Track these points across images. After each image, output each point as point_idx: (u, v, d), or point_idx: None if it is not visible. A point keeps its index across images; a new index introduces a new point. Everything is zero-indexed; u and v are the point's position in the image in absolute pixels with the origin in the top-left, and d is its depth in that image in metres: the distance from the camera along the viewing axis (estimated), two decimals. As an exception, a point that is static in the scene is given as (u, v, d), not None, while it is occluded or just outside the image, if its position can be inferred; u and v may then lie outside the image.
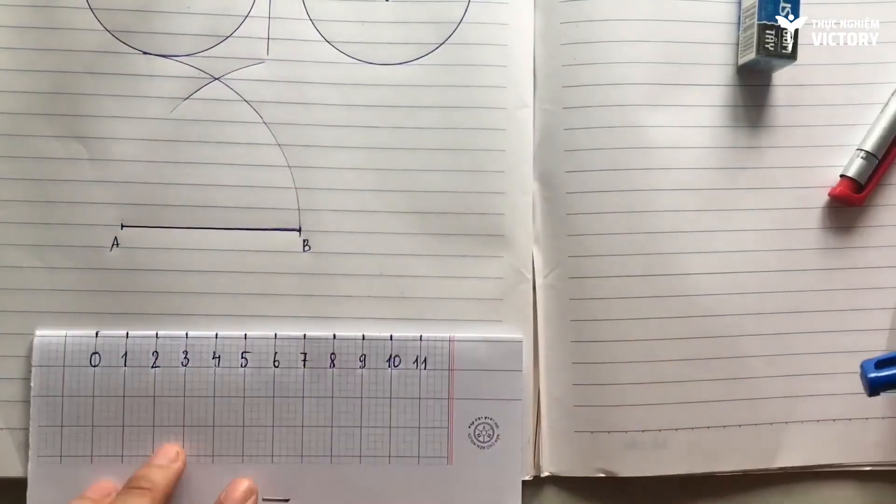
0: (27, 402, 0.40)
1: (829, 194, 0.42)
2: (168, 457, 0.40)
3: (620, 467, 0.41)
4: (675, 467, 0.42)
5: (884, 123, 0.42)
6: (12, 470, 0.40)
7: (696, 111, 0.42)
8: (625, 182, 0.42)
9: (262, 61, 0.42)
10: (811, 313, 0.42)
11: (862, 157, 0.42)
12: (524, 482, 0.41)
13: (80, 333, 0.40)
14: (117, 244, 0.41)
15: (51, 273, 0.40)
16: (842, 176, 0.42)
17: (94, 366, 0.40)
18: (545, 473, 0.41)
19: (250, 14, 0.42)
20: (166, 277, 0.41)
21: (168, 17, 0.41)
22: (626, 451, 0.41)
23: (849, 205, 0.42)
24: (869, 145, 0.42)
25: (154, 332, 0.40)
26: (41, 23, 0.41)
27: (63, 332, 0.40)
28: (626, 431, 0.41)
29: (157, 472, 0.39)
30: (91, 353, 0.40)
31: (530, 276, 0.42)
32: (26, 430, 0.40)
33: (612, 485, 0.42)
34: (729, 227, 0.42)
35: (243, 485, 0.40)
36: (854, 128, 0.43)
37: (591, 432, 0.41)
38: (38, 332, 0.40)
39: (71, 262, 0.41)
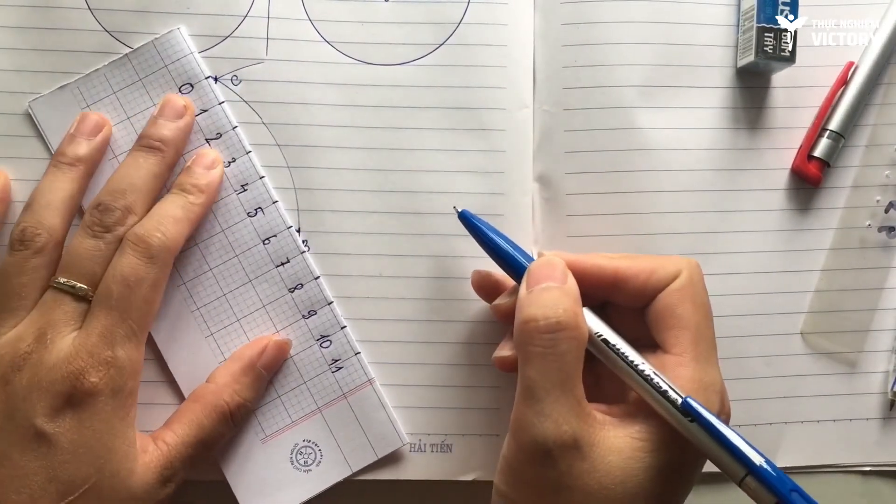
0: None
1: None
2: (176, 110, 0.39)
3: (620, 468, 0.41)
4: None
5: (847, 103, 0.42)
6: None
7: (695, 113, 0.42)
8: (624, 183, 0.42)
9: (261, 61, 0.41)
10: (813, 314, 0.42)
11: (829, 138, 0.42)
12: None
13: None
14: (116, 245, 0.41)
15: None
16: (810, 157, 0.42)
17: None
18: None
19: (249, 14, 0.42)
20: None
21: (167, 18, 0.41)
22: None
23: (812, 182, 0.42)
24: (834, 124, 0.42)
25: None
26: (40, 23, 0.41)
27: None
28: (626, 432, 0.41)
29: (167, 128, 0.39)
30: None
31: (530, 277, 0.42)
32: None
33: (612, 486, 0.42)
34: (728, 228, 0.42)
35: (211, 154, 0.40)
36: (853, 129, 0.43)
37: (591, 433, 0.41)
38: None
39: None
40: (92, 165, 0.39)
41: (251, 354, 0.39)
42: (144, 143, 0.39)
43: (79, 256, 0.36)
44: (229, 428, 0.38)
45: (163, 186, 0.39)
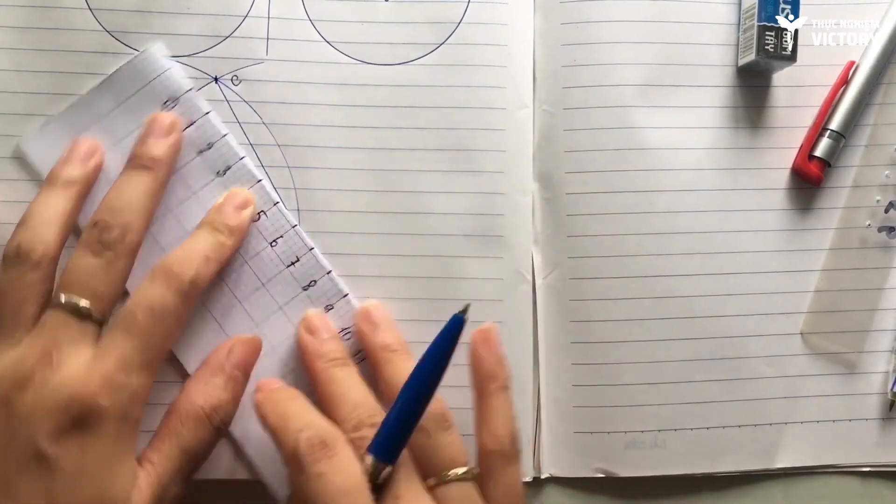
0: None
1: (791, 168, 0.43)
2: (163, 128, 0.39)
3: (620, 467, 0.41)
4: (675, 467, 0.42)
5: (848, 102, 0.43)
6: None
7: (695, 112, 0.42)
8: (625, 183, 0.42)
9: (261, 61, 0.41)
10: (813, 314, 0.42)
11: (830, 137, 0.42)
12: (524, 483, 0.41)
13: None
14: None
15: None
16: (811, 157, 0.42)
17: None
18: (545, 475, 0.41)
19: (249, 14, 0.42)
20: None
21: (167, 18, 0.41)
22: (626, 451, 0.41)
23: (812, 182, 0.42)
24: (835, 124, 0.42)
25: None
26: (40, 23, 0.41)
27: None
28: (626, 432, 0.41)
29: (157, 147, 0.38)
30: None
31: (530, 277, 0.42)
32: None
33: (612, 485, 0.42)
34: (728, 227, 0.42)
35: (241, 194, 0.39)
36: (854, 128, 0.43)
37: (591, 433, 0.42)
38: None
39: (71, 262, 0.41)
40: (86, 187, 0.39)
41: (218, 356, 0.38)
42: (136, 163, 0.38)
43: (80, 274, 0.35)
44: (212, 433, 0.37)
45: (158, 204, 0.39)
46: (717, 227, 0.42)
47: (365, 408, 0.35)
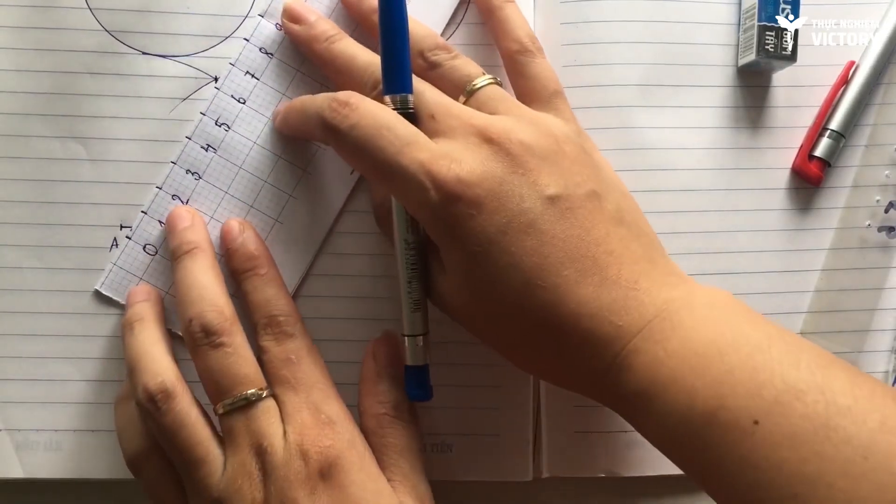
0: (27, 403, 0.40)
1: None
2: (185, 219, 0.39)
3: (621, 467, 0.41)
4: (676, 467, 0.41)
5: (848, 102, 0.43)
6: (12, 471, 0.40)
7: (696, 112, 0.42)
8: (625, 183, 0.42)
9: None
10: (813, 314, 0.42)
11: (830, 137, 0.42)
12: (524, 483, 0.41)
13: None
14: (116, 244, 0.41)
15: (51, 273, 0.41)
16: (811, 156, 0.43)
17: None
18: (545, 475, 0.41)
19: (250, 14, 0.42)
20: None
21: (167, 18, 0.41)
22: (627, 450, 0.41)
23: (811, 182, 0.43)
24: (835, 124, 0.42)
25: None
26: (40, 23, 0.41)
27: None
28: (626, 431, 0.41)
29: (189, 233, 0.39)
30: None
31: (530, 277, 0.42)
32: (26, 430, 0.40)
33: (612, 485, 0.42)
34: (728, 227, 0.42)
35: (235, 225, 0.40)
36: (854, 128, 0.43)
37: (592, 432, 0.42)
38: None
39: (71, 262, 0.41)
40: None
41: (369, 366, 0.39)
42: (179, 252, 0.38)
43: (220, 374, 0.35)
44: (409, 427, 0.38)
45: (221, 273, 0.38)
46: (717, 227, 0.42)
47: (376, 64, 0.36)
